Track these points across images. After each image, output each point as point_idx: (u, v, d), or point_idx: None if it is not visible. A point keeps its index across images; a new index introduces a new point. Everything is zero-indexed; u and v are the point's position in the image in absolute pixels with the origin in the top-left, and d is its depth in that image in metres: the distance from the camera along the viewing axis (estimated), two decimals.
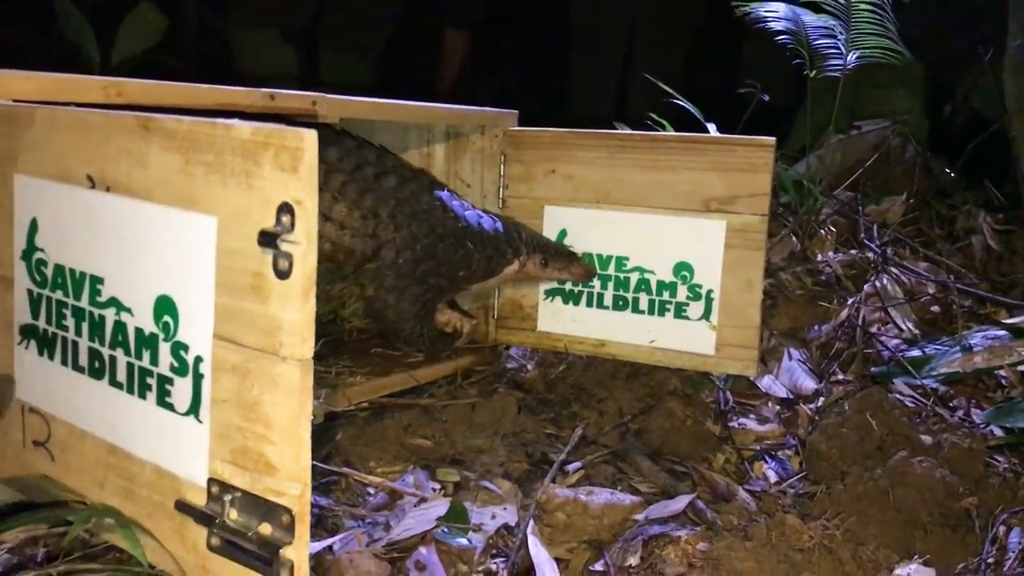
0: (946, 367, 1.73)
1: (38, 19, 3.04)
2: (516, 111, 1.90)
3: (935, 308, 1.99)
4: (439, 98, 1.78)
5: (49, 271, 1.03)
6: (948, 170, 2.83)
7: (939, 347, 1.80)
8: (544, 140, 1.83)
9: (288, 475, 0.83)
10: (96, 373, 1.00)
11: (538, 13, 4.28)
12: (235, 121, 0.84)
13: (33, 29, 3.12)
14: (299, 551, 0.84)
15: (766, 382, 1.80)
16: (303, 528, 0.84)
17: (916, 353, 1.81)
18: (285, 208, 0.80)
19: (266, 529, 0.85)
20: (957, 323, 1.86)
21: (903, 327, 1.88)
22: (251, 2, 3.19)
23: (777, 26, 2.24)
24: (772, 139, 1.65)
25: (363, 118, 1.62)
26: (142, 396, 0.96)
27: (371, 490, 1.41)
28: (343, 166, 1.64)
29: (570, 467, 1.47)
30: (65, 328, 1.03)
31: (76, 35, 2.78)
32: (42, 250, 1.04)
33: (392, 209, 1.66)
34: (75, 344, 1.02)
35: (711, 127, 2.12)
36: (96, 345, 1.00)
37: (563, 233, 1.83)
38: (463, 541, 1.27)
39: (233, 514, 0.88)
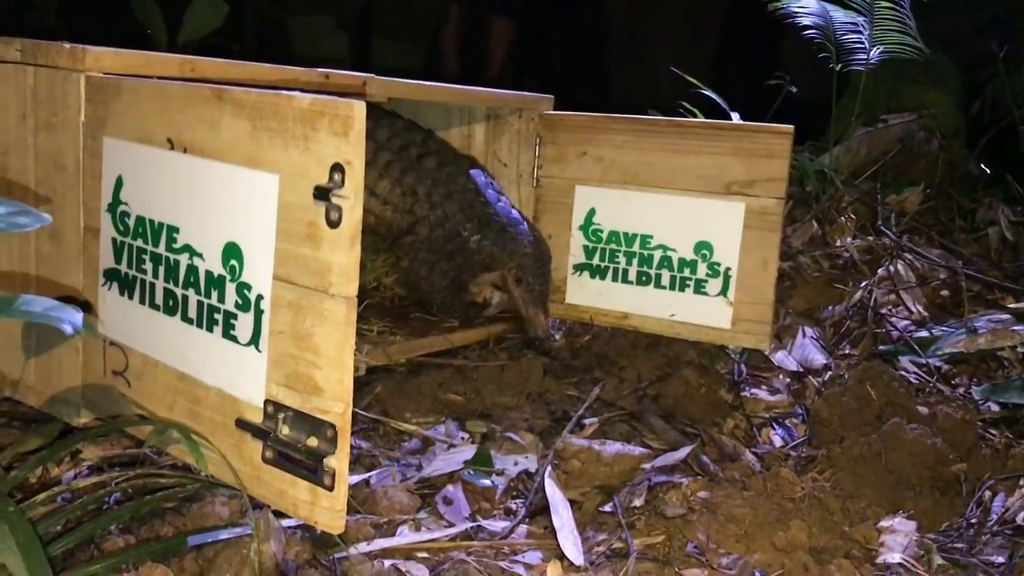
0: (951, 347, 1.83)
1: (112, 2, 3.23)
2: (551, 96, 2.02)
3: (945, 293, 2.08)
4: (486, 83, 1.91)
5: (131, 222, 1.19)
6: (982, 164, 2.90)
7: (946, 329, 1.90)
8: (577, 123, 1.95)
9: (333, 395, 0.98)
10: (170, 310, 1.15)
11: (582, 5, 4.39)
12: (296, 92, 0.98)
13: (107, 11, 3.31)
14: (340, 461, 0.98)
15: (779, 356, 1.91)
16: (344, 441, 0.98)
17: (923, 334, 1.91)
18: (337, 167, 0.95)
19: (313, 442, 1.00)
20: (965, 307, 1.95)
21: (913, 310, 1.98)
22: None
23: (806, 21, 2.34)
24: (790, 127, 1.75)
25: (409, 98, 1.76)
26: (210, 330, 1.11)
27: (406, 437, 1.55)
28: (391, 145, 1.78)
29: (587, 421, 1.60)
30: (144, 271, 1.18)
31: (146, 18, 2.97)
32: (126, 203, 1.19)
33: (429, 188, 1.79)
34: (152, 285, 1.17)
35: (735, 115, 2.22)
36: (171, 286, 1.15)
37: (592, 211, 1.95)
38: (487, 482, 1.40)
39: (285, 430, 1.03)
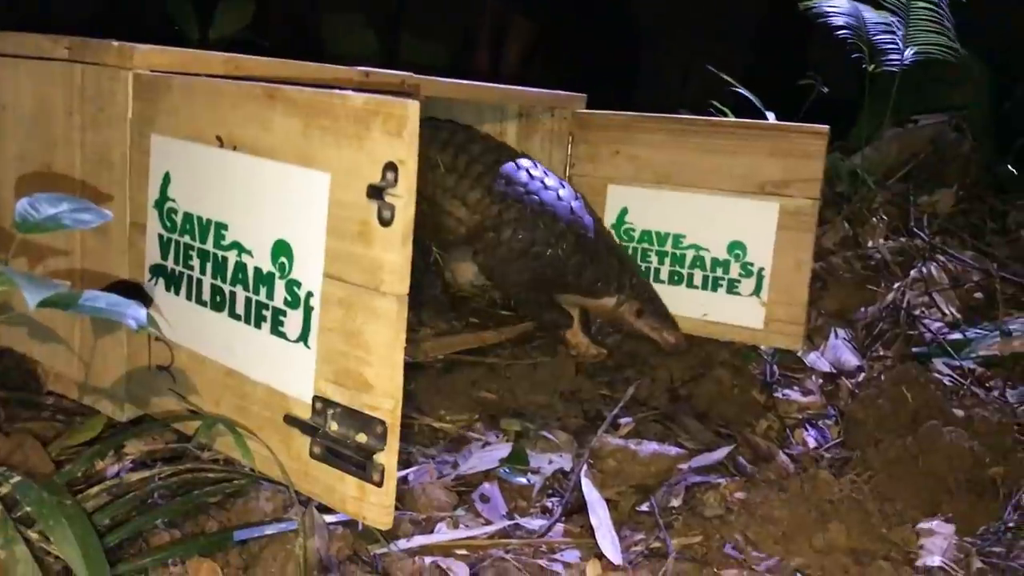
0: (985, 350, 1.82)
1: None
2: (584, 95, 2.02)
3: (978, 295, 2.07)
4: (503, 81, 1.92)
5: (179, 218, 1.20)
6: (1009, 167, 2.88)
7: (979, 331, 1.89)
8: (610, 123, 1.95)
9: (383, 392, 0.99)
10: (217, 306, 1.16)
11: (606, 4, 4.38)
12: (349, 92, 0.99)
13: (133, 3, 3.33)
14: (389, 457, 0.99)
15: (811, 357, 1.90)
16: (394, 438, 0.99)
17: (957, 336, 1.90)
18: (390, 166, 0.95)
19: (362, 438, 1.00)
20: (999, 310, 1.94)
21: (946, 312, 1.97)
22: None
23: (838, 21, 2.33)
24: (826, 127, 1.75)
25: (445, 96, 1.77)
26: (258, 326, 1.12)
27: (441, 434, 1.56)
28: (484, 159, 1.81)
29: (622, 421, 1.61)
30: (191, 267, 1.19)
31: (178, 14, 2.99)
32: (173, 200, 1.21)
33: (520, 196, 1.80)
34: (199, 281, 1.18)
35: (770, 115, 2.22)
36: (218, 282, 1.16)
37: (624, 211, 1.95)
38: (522, 480, 1.41)
39: (334, 426, 1.03)
